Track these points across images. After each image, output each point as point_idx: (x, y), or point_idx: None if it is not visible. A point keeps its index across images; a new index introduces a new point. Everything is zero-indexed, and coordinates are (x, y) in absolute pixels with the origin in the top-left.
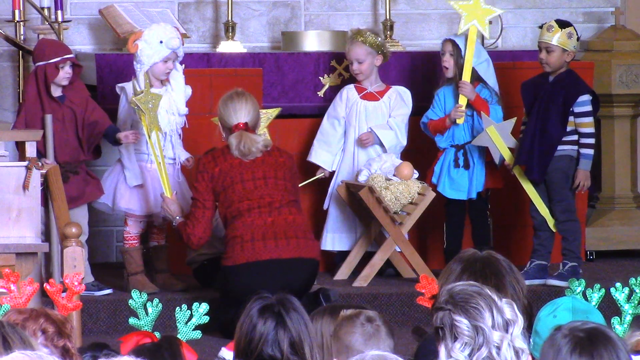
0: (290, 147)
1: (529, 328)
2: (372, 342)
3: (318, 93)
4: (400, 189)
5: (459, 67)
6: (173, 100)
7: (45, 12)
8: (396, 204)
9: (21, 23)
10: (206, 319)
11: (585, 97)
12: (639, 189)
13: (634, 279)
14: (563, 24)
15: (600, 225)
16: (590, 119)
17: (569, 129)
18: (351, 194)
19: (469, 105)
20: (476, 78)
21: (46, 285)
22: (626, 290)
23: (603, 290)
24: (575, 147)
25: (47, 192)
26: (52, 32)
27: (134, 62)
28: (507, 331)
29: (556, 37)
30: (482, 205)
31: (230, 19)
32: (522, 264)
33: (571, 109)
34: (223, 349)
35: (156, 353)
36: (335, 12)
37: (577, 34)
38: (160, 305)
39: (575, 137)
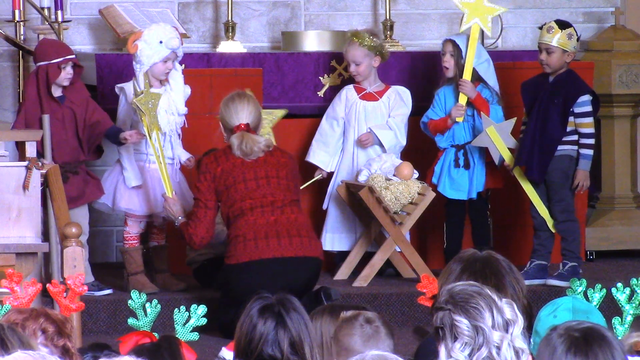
0: (290, 147)
1: (529, 328)
2: (371, 343)
3: (318, 93)
4: (400, 189)
5: (460, 67)
6: (172, 100)
7: (45, 12)
8: (396, 204)
9: (21, 23)
10: (204, 320)
11: (585, 98)
12: (639, 189)
13: (635, 280)
14: (563, 25)
15: (600, 225)
16: (590, 119)
17: (569, 129)
18: (351, 194)
19: (470, 104)
20: (476, 78)
21: (49, 286)
22: (627, 290)
23: (604, 290)
24: (575, 147)
25: (47, 192)
26: (52, 32)
27: (134, 62)
28: (507, 331)
29: (556, 38)
30: (482, 205)
31: (230, 19)
32: (522, 264)
33: (571, 109)
34: (223, 349)
35: (156, 353)
36: (335, 12)
37: (577, 35)
38: (159, 306)
39: (575, 137)
